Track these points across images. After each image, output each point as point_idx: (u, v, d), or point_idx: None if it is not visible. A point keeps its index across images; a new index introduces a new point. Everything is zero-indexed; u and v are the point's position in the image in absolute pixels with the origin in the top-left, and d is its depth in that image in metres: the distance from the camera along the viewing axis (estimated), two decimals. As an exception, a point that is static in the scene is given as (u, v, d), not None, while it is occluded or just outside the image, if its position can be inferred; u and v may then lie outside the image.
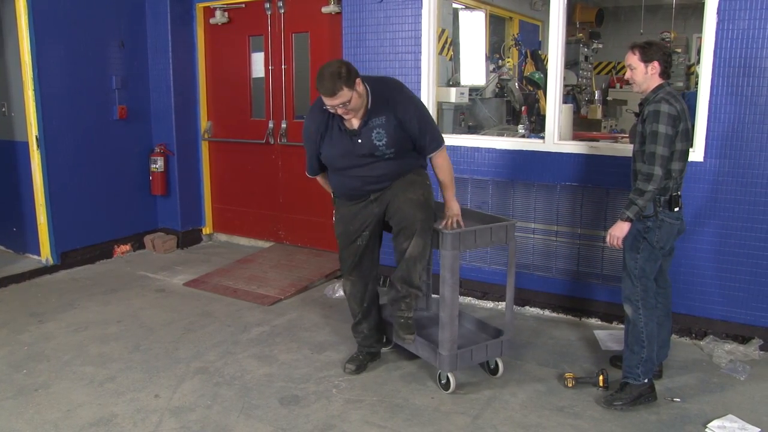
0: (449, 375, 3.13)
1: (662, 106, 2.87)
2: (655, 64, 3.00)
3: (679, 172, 2.97)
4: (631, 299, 3.02)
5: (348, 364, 3.38)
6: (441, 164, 3.15)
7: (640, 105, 3.10)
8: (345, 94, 2.81)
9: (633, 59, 3.04)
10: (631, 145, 3.94)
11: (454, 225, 3.10)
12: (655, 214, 2.93)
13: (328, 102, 2.85)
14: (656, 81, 3.03)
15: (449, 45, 4.83)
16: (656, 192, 2.87)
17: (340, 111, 2.88)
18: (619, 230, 2.94)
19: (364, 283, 3.31)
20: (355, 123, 2.99)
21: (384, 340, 3.53)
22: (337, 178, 3.18)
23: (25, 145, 4.95)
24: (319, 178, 3.35)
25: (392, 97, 3.00)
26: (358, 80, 2.86)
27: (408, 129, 3.01)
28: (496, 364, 3.30)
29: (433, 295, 3.75)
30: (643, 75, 3.03)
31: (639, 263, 2.98)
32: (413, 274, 3.04)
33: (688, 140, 3.00)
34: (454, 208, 3.16)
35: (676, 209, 2.98)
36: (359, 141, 3.00)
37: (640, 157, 2.96)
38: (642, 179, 2.86)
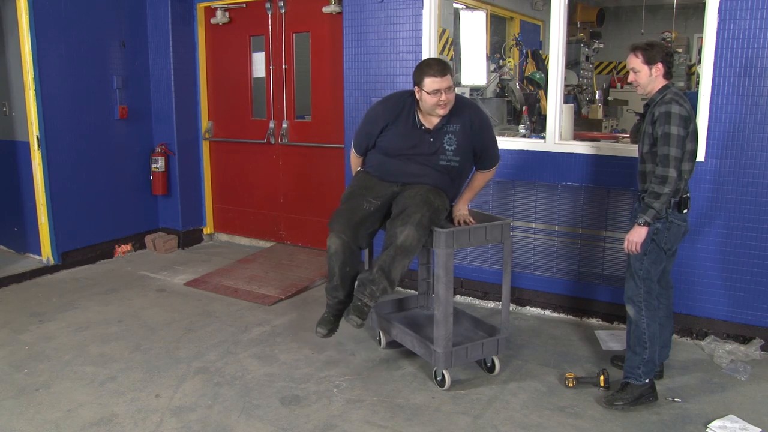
0: (444, 372, 3.15)
1: (673, 107, 2.85)
2: (659, 65, 2.97)
3: (688, 172, 2.97)
4: (634, 300, 3.02)
5: (319, 328, 3.31)
6: (482, 175, 3.38)
7: (646, 106, 3.07)
8: (450, 78, 3.08)
9: (636, 62, 2.99)
10: (633, 145, 3.97)
11: (462, 223, 3.28)
12: (666, 216, 2.92)
13: (438, 84, 3.04)
14: (661, 82, 3.01)
15: (450, 45, 4.84)
16: (672, 194, 2.86)
17: (442, 98, 3.06)
18: (638, 235, 2.91)
19: (353, 248, 3.19)
20: (433, 122, 3.19)
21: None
22: (381, 159, 3.30)
23: (26, 145, 4.96)
24: (356, 159, 3.48)
25: (470, 109, 3.25)
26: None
27: (476, 140, 3.22)
28: (493, 363, 3.31)
29: (433, 295, 3.75)
30: (648, 77, 3.00)
31: (645, 265, 2.97)
32: (395, 267, 3.03)
33: (697, 140, 2.99)
34: (463, 209, 3.35)
35: (685, 211, 2.98)
36: (431, 139, 3.20)
37: (650, 158, 2.93)
38: (657, 182, 2.83)
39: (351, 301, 3.30)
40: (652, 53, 2.97)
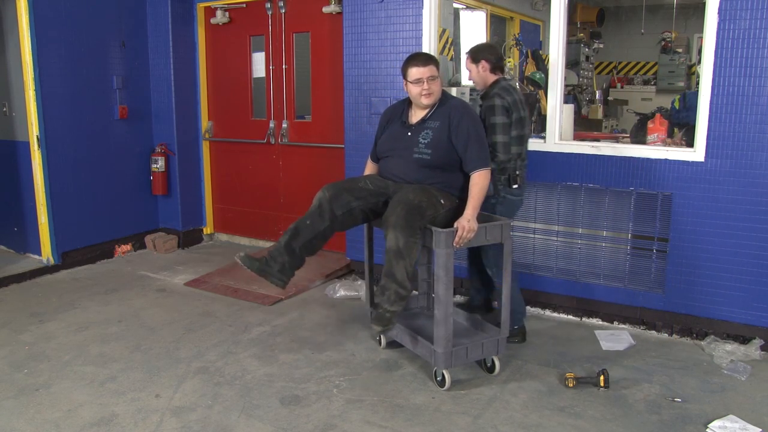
0: (444, 372, 3.15)
1: (495, 101, 3.36)
2: (483, 63, 3.49)
3: (517, 155, 3.45)
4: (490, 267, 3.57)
5: (245, 254, 3.27)
6: (474, 181, 3.21)
7: (482, 98, 3.52)
8: (434, 69, 3.23)
9: (467, 63, 3.53)
10: (633, 145, 4.00)
11: (462, 235, 3.02)
12: (497, 193, 3.44)
13: (420, 73, 3.19)
14: (490, 77, 3.52)
15: (450, 45, 4.83)
16: (499, 172, 3.39)
17: (425, 86, 3.19)
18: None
19: (329, 206, 3.18)
20: (416, 117, 3.31)
21: (286, 280, 3.30)
22: (381, 162, 3.48)
23: (26, 145, 4.96)
24: (368, 165, 3.60)
25: (455, 108, 3.25)
26: (440, 76, 3.31)
27: (454, 136, 3.20)
28: (493, 363, 3.31)
29: (433, 295, 3.75)
30: (477, 74, 3.53)
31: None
32: (396, 269, 3.02)
33: (523, 127, 3.47)
34: (463, 221, 3.04)
35: (515, 186, 3.46)
36: (408, 134, 3.30)
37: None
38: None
39: (283, 256, 3.20)
40: (477, 54, 3.51)
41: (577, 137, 4.29)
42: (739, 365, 3.37)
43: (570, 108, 4.19)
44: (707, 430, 2.80)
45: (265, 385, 3.23)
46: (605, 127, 6.90)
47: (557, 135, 4.00)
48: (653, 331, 3.86)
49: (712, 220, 3.60)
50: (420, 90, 3.20)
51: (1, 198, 5.34)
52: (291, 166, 5.56)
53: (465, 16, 6.18)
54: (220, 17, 5.60)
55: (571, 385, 3.16)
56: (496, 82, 3.48)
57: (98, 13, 5.18)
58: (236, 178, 5.91)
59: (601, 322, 4.04)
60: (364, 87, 4.58)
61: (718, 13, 3.42)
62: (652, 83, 8.15)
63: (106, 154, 5.37)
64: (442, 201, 3.17)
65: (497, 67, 3.50)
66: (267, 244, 5.79)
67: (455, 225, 3.05)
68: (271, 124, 5.58)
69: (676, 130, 4.42)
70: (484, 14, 6.39)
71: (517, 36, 6.68)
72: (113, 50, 5.34)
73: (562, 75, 3.96)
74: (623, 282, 3.92)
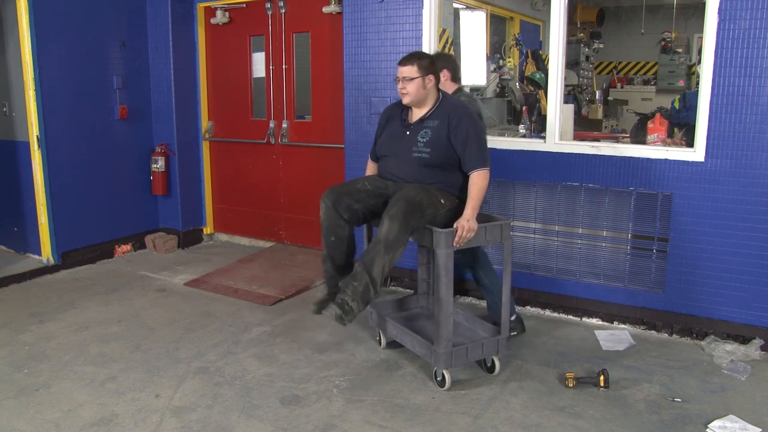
0: (444, 372, 3.15)
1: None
2: (444, 71, 3.54)
3: None
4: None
5: (313, 304, 3.30)
6: (473, 181, 3.19)
7: None
8: (412, 70, 3.21)
9: None
10: (632, 145, 4.00)
11: (462, 234, 3.01)
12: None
13: (398, 71, 3.27)
14: (451, 86, 3.59)
15: (450, 45, 4.83)
16: None
17: (400, 85, 3.25)
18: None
19: (336, 213, 3.21)
20: (415, 116, 3.32)
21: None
22: (381, 162, 3.48)
23: (26, 145, 4.96)
24: (369, 165, 3.59)
25: (455, 109, 3.26)
26: (431, 77, 3.23)
27: (453, 136, 3.20)
28: (493, 363, 3.31)
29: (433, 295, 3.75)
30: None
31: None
32: (375, 262, 3.00)
33: (484, 134, 3.51)
34: (462, 221, 3.04)
35: None
36: (407, 133, 3.31)
37: None
38: None
39: (340, 276, 3.29)
40: (437, 63, 3.43)
41: (577, 137, 4.29)
42: (739, 365, 3.37)
43: (570, 108, 4.19)
44: (707, 430, 2.80)
45: (265, 385, 3.23)
46: (605, 127, 6.90)
47: (557, 135, 4.00)
48: (653, 331, 3.86)
49: (712, 220, 3.60)
50: (399, 89, 3.28)
51: (1, 198, 5.34)
52: (291, 166, 5.57)
53: (465, 16, 6.18)
54: (220, 17, 5.61)
55: (571, 385, 3.16)
56: (457, 90, 3.57)
57: (98, 13, 5.18)
58: (236, 178, 5.91)
59: (601, 322, 4.04)
60: (364, 87, 4.58)
61: (718, 13, 3.42)
62: (652, 83, 8.16)
63: (106, 154, 5.37)
64: (442, 201, 3.17)
65: (456, 77, 3.61)
66: (267, 244, 5.80)
67: (455, 225, 3.05)
68: (271, 124, 5.58)
69: (676, 130, 4.42)
70: (484, 14, 6.39)
71: (517, 36, 6.69)
72: (113, 50, 5.34)
73: (562, 75, 3.96)
74: (623, 282, 3.92)
